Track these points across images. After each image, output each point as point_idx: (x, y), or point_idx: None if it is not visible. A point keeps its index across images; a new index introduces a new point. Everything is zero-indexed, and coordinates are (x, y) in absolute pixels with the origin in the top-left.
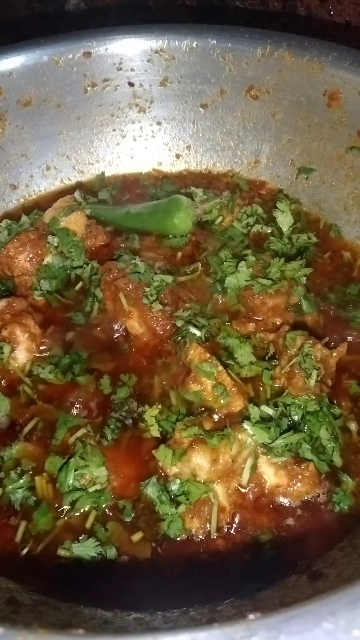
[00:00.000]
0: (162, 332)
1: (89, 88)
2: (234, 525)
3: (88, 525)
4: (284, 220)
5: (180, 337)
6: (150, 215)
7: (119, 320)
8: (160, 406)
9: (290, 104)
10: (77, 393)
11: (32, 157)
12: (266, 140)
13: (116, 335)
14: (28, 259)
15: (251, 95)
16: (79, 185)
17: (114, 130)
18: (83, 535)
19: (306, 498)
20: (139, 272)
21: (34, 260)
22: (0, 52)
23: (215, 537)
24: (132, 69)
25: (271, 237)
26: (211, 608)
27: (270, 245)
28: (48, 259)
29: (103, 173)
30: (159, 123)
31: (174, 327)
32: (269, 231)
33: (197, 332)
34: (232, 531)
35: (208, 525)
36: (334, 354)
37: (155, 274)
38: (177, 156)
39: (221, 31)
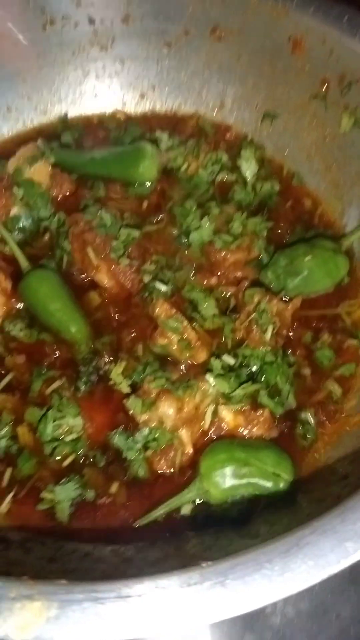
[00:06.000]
0: (130, 286)
1: (47, 25)
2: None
3: (66, 464)
4: (248, 167)
5: (147, 293)
6: (115, 163)
7: (87, 273)
8: (124, 363)
9: (255, 47)
10: (47, 349)
11: None
12: (231, 83)
13: (85, 287)
14: None
15: (216, 37)
16: (41, 129)
17: (76, 69)
18: (64, 479)
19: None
20: (106, 226)
21: (0, 212)
22: None
23: (179, 476)
24: (92, 4)
25: (235, 187)
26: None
27: (235, 195)
28: (15, 211)
29: (66, 114)
30: (122, 61)
31: (141, 281)
32: (233, 179)
33: (164, 288)
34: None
35: (173, 467)
36: (289, 307)
37: (122, 226)
38: (142, 96)
39: None
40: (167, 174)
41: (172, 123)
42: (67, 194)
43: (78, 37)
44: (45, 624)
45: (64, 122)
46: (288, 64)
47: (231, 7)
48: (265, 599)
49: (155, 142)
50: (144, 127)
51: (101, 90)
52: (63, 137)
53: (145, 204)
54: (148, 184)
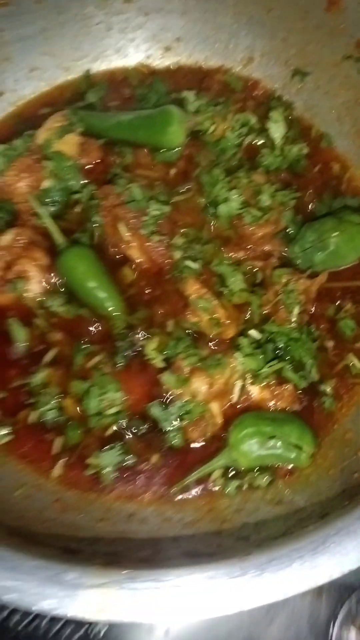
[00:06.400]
0: (161, 261)
1: None
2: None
3: (109, 433)
4: (277, 130)
5: (178, 271)
6: (142, 127)
7: (119, 247)
8: (157, 339)
9: (288, 1)
10: (85, 324)
11: (16, 60)
12: (260, 37)
13: (118, 261)
14: (27, 185)
15: None
16: (65, 87)
17: (98, 23)
18: (108, 446)
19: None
20: (136, 200)
21: (32, 185)
22: None
23: (210, 445)
24: None
25: (263, 150)
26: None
27: (262, 160)
28: (46, 183)
29: (88, 71)
30: (146, 14)
31: (172, 257)
32: (261, 142)
33: (194, 266)
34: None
35: (205, 437)
36: (315, 282)
37: (152, 200)
38: (167, 49)
39: None
40: (194, 136)
41: (198, 77)
42: (96, 161)
43: None
44: (116, 607)
45: (88, 79)
46: (322, 21)
47: None
48: (295, 590)
49: (181, 102)
50: (169, 81)
51: (125, 44)
52: (88, 96)
53: (173, 171)
54: (175, 149)
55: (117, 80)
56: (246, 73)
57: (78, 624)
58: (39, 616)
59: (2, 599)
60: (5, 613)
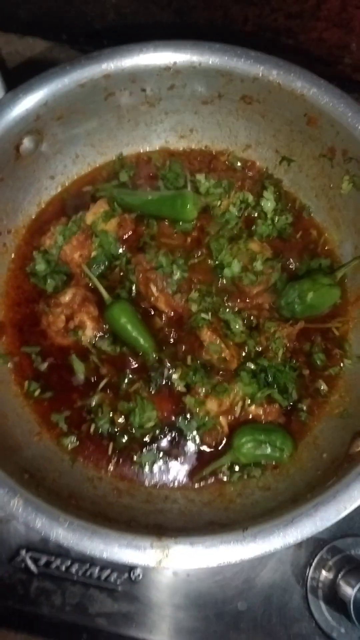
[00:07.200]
0: (182, 312)
1: (109, 97)
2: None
3: (147, 439)
4: (269, 206)
5: (195, 320)
6: (165, 205)
7: (150, 302)
8: (180, 370)
9: (278, 113)
10: (127, 360)
11: (65, 152)
12: (256, 132)
13: (149, 311)
14: (80, 255)
15: (245, 101)
16: (102, 167)
17: (129, 121)
18: (146, 448)
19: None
20: (162, 266)
21: (83, 255)
22: (35, 85)
23: (219, 447)
24: (144, 80)
25: (258, 221)
26: (220, 491)
27: (257, 229)
28: (94, 253)
29: (121, 154)
30: (166, 113)
31: (190, 309)
32: (256, 214)
33: (207, 317)
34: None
35: (216, 441)
36: (296, 327)
37: (175, 265)
38: (182, 136)
39: (222, 52)
40: (205, 210)
41: (208, 158)
42: (130, 233)
43: (132, 101)
44: (168, 559)
45: (121, 161)
46: (303, 129)
47: (259, 86)
48: (273, 549)
49: (195, 183)
50: (185, 162)
51: (149, 134)
52: (120, 175)
53: (189, 239)
54: (191, 222)
55: (143, 162)
56: (245, 156)
57: (122, 570)
58: (92, 565)
59: (102, 557)
60: (68, 562)
